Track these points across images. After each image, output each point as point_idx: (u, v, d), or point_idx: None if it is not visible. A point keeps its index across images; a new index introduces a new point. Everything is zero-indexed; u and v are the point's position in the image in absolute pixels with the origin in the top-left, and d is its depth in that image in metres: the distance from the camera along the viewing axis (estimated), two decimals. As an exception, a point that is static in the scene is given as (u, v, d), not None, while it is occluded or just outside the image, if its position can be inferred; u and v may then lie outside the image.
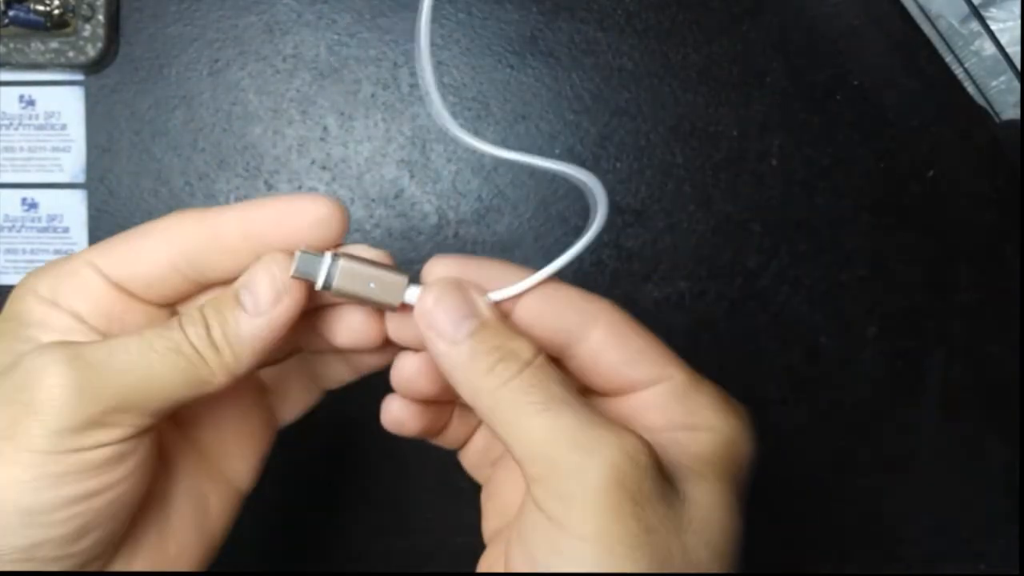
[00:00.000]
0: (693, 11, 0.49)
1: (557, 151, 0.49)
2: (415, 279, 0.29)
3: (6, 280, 0.50)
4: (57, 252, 0.50)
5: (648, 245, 0.49)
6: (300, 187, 0.50)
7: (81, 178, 0.50)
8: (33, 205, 0.51)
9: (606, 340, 0.28)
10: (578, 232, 0.29)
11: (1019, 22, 0.45)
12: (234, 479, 0.32)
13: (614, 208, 0.49)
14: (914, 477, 0.50)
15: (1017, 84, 0.45)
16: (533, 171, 0.49)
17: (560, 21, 0.49)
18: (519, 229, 0.49)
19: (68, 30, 0.49)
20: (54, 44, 0.49)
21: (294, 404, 0.35)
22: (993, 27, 0.45)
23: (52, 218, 0.50)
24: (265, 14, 0.50)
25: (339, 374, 0.34)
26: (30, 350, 0.26)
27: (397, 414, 0.31)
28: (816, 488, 0.50)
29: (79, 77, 0.50)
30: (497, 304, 0.28)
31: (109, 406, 0.26)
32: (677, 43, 0.49)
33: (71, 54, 0.49)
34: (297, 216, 0.28)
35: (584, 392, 0.30)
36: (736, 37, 0.49)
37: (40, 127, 0.50)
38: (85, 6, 0.49)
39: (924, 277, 0.49)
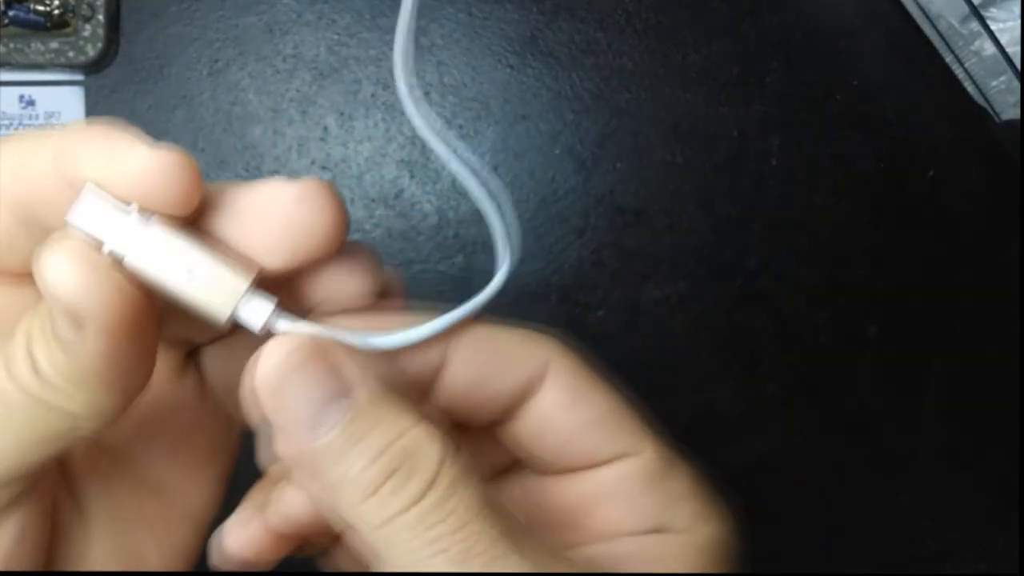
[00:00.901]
0: (693, 11, 0.49)
1: (557, 151, 0.49)
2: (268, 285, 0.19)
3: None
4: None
5: (648, 245, 0.49)
6: (300, 187, 0.50)
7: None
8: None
9: (558, 400, 0.22)
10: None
11: (1019, 22, 0.45)
12: (190, 510, 0.24)
13: (614, 208, 0.49)
14: (914, 477, 0.50)
15: (1017, 84, 0.45)
16: (533, 171, 0.49)
17: (560, 21, 0.49)
18: (519, 229, 0.49)
19: (68, 30, 0.49)
20: (54, 44, 0.49)
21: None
22: (993, 27, 0.45)
23: (49, 115, 0.50)
24: (265, 14, 0.50)
25: None
26: None
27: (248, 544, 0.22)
28: (816, 488, 0.50)
29: (79, 77, 0.50)
30: (393, 363, 0.20)
31: None
32: (677, 43, 0.49)
33: (71, 54, 0.49)
34: (123, 163, 0.19)
35: (520, 470, 0.23)
36: (736, 37, 0.49)
37: (40, 127, 0.50)
38: (85, 6, 0.49)
39: (924, 277, 0.49)
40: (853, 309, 0.49)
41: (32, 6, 0.49)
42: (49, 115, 0.50)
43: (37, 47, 0.49)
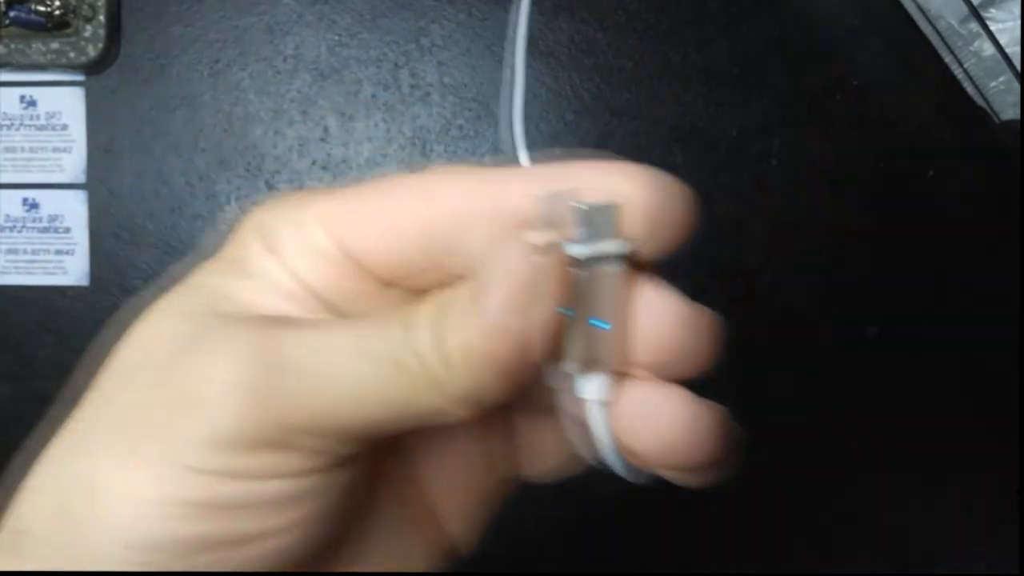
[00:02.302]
0: (693, 11, 0.49)
1: (557, 151, 0.49)
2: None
3: (7, 280, 0.51)
4: (59, 252, 0.50)
5: (648, 245, 0.49)
6: (301, 187, 0.50)
7: (82, 178, 0.50)
8: (34, 205, 0.51)
9: None
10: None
11: (1017, 22, 0.45)
12: (450, 536, 0.24)
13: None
14: (914, 477, 0.50)
15: (1016, 84, 0.45)
16: (533, 171, 0.49)
17: (560, 21, 0.49)
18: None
19: (69, 31, 0.49)
20: (55, 45, 0.49)
21: (551, 459, 0.24)
22: (992, 27, 0.45)
23: (53, 218, 0.51)
24: (266, 15, 0.50)
25: None
26: (218, 323, 0.19)
27: None
28: (816, 488, 0.50)
29: (80, 77, 0.50)
30: None
31: (295, 422, 0.18)
32: (677, 43, 0.49)
33: (72, 55, 0.49)
34: (628, 197, 0.19)
35: None
36: (736, 38, 0.49)
37: (41, 127, 0.51)
38: (86, 7, 0.49)
39: (923, 277, 0.49)
40: (853, 309, 0.49)
41: (33, 7, 0.49)
42: (50, 115, 0.50)
43: (38, 48, 0.49)
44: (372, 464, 0.21)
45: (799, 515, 0.50)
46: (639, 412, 0.19)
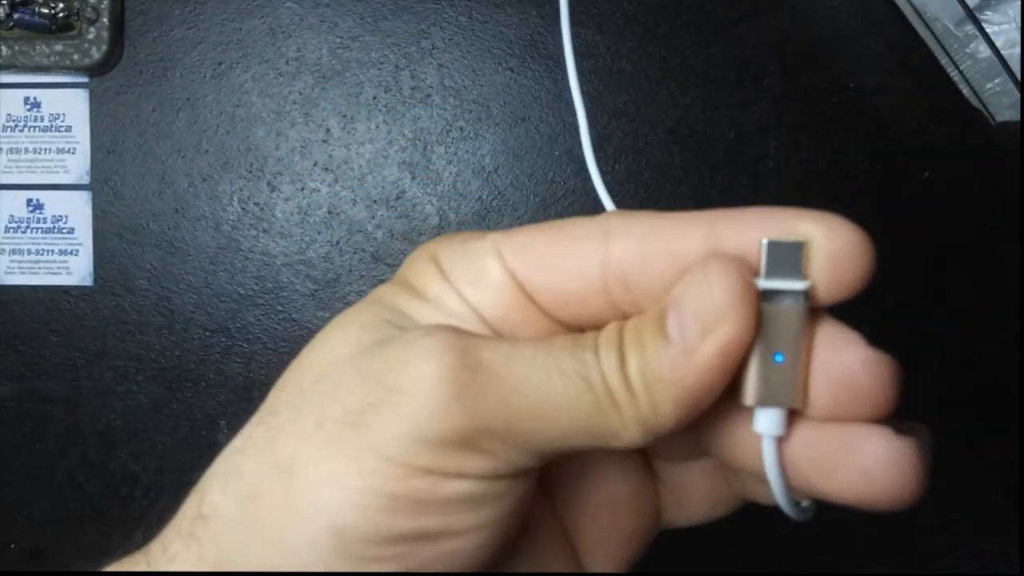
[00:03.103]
0: (691, 14, 0.49)
1: (557, 153, 0.49)
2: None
3: (11, 281, 0.51)
4: (63, 253, 0.51)
5: (647, 246, 0.49)
6: (303, 188, 0.50)
7: (86, 179, 0.51)
8: (38, 206, 0.51)
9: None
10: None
11: (1014, 24, 0.46)
12: (589, 569, 0.24)
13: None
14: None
15: (1011, 86, 0.45)
16: (533, 172, 0.49)
17: (559, 24, 0.49)
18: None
19: (73, 33, 0.49)
20: (59, 47, 0.49)
21: (696, 507, 0.25)
22: (988, 30, 0.45)
23: (57, 219, 0.51)
24: (268, 17, 0.50)
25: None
26: (414, 328, 0.20)
27: None
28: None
29: (84, 79, 0.51)
30: None
31: (489, 425, 0.19)
32: (675, 46, 0.49)
33: (76, 56, 0.49)
34: (815, 238, 0.19)
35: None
36: (733, 40, 0.49)
37: (45, 129, 0.51)
38: (90, 9, 0.49)
39: (919, 278, 0.49)
40: (849, 310, 0.50)
41: (37, 9, 0.49)
42: (54, 117, 0.51)
43: (42, 49, 0.49)
44: (537, 485, 0.22)
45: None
46: (834, 450, 0.20)
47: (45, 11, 0.49)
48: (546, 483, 0.24)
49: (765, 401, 0.19)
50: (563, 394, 0.19)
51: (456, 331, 0.20)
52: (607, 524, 0.24)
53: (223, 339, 0.50)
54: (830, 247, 0.19)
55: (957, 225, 0.49)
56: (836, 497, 0.20)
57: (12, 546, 0.50)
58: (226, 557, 0.19)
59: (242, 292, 0.50)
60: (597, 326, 0.21)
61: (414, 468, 0.19)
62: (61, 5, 0.49)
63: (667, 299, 0.19)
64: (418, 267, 0.22)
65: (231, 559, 0.19)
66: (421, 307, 0.22)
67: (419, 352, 0.19)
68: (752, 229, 0.19)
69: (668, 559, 0.23)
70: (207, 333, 0.50)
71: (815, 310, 0.20)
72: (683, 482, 0.25)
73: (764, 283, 0.19)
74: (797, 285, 0.19)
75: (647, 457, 0.25)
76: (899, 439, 0.20)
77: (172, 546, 0.20)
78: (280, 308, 0.50)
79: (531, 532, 0.23)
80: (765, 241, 0.19)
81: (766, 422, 0.19)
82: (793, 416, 0.20)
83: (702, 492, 0.25)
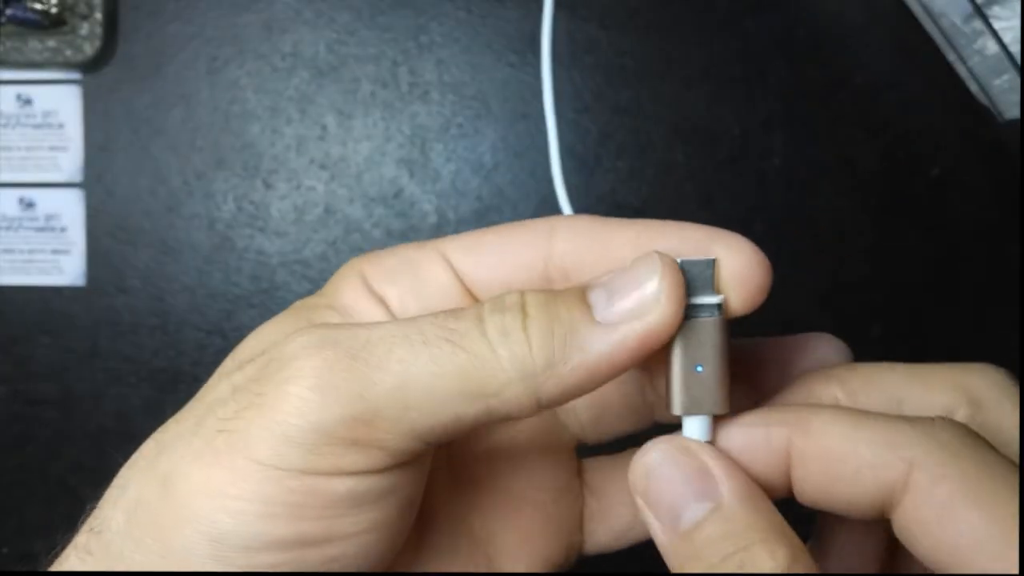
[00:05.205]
0: (695, 9, 0.49)
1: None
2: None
3: (3, 280, 0.50)
4: (55, 252, 0.50)
5: (649, 245, 0.49)
6: (299, 186, 0.49)
7: (78, 177, 0.50)
8: (30, 204, 0.50)
9: (922, 515, 0.19)
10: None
11: (1021, 20, 0.45)
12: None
13: (616, 206, 0.49)
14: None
15: (1020, 83, 0.45)
16: (534, 170, 0.49)
17: (561, 19, 0.49)
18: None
19: (65, 28, 0.49)
20: (51, 43, 0.49)
21: (621, 517, 0.26)
22: (996, 26, 0.45)
23: (49, 218, 0.50)
24: (264, 12, 0.50)
25: None
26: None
27: None
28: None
29: (77, 76, 0.50)
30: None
31: (357, 412, 0.18)
32: (679, 41, 0.49)
33: (68, 53, 0.49)
34: (722, 257, 0.21)
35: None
36: (738, 35, 0.49)
37: (38, 126, 0.50)
38: (82, 4, 0.48)
39: (927, 277, 0.49)
40: (856, 308, 0.49)
41: (29, 4, 0.49)
42: (46, 114, 0.50)
43: (35, 45, 0.49)
44: (435, 484, 0.22)
45: (800, 514, 0.50)
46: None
47: (38, 7, 0.49)
48: (460, 481, 0.24)
49: (691, 410, 0.21)
50: (429, 360, 0.19)
51: (318, 327, 0.20)
52: (524, 527, 0.24)
53: (218, 340, 0.49)
54: (735, 265, 0.21)
55: (964, 223, 0.49)
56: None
57: (4, 550, 0.50)
58: (113, 568, 0.19)
59: (237, 292, 0.50)
60: None
61: (288, 471, 0.18)
62: (54, 1, 0.49)
63: (594, 278, 0.20)
64: (341, 282, 0.23)
65: (117, 569, 0.19)
66: (332, 317, 0.22)
67: (280, 357, 0.19)
68: (671, 241, 0.21)
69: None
70: (201, 334, 0.49)
71: (727, 322, 0.21)
72: (610, 490, 0.26)
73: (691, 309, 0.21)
74: (712, 299, 0.21)
75: (578, 465, 0.26)
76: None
77: (68, 560, 0.20)
78: (276, 309, 0.49)
79: (435, 529, 0.23)
80: (679, 260, 0.20)
81: (694, 429, 0.21)
82: (721, 420, 0.21)
83: (628, 501, 0.24)
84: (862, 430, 0.20)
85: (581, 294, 0.20)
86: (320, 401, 0.18)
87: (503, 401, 0.19)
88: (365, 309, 0.22)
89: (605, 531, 0.26)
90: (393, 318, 0.22)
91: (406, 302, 0.22)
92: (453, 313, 0.20)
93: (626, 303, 0.19)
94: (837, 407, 0.21)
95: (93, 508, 0.21)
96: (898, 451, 0.19)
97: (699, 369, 0.21)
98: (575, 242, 0.22)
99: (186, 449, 0.19)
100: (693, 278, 0.21)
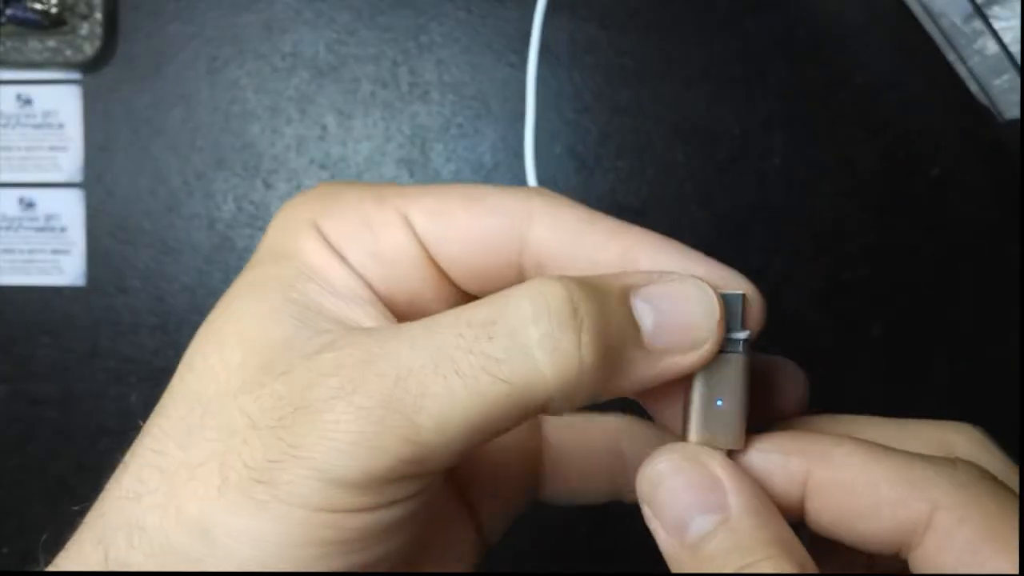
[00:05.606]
0: (695, 9, 0.49)
1: (558, 150, 0.49)
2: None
3: (2, 280, 0.50)
4: (55, 252, 0.50)
5: (649, 245, 0.49)
6: (299, 186, 0.49)
7: (78, 177, 0.50)
8: (31, 204, 0.50)
9: (940, 559, 0.19)
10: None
11: (1021, 20, 0.45)
12: (486, 531, 0.25)
13: (616, 207, 0.49)
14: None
15: (1019, 83, 0.45)
16: (534, 170, 0.49)
17: (561, 19, 0.49)
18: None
19: (65, 28, 0.49)
20: (51, 43, 0.49)
21: (568, 485, 0.26)
22: (996, 26, 0.45)
23: (49, 218, 0.50)
24: (264, 12, 0.50)
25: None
26: (324, 341, 0.19)
27: None
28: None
29: (77, 76, 0.50)
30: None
31: (416, 457, 0.18)
32: (679, 41, 0.49)
33: (69, 53, 0.49)
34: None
35: None
36: (738, 35, 0.49)
37: (38, 126, 0.50)
38: (83, 4, 0.48)
39: (927, 277, 0.49)
40: (856, 308, 0.49)
41: (29, 4, 0.49)
42: (46, 114, 0.50)
43: (35, 45, 0.49)
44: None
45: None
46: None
47: (38, 7, 0.49)
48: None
49: (708, 443, 0.21)
50: (467, 397, 0.18)
51: (332, 351, 0.19)
52: (501, 488, 0.25)
53: (218, 340, 0.49)
54: (756, 299, 0.21)
55: (964, 223, 0.49)
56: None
57: (4, 550, 0.50)
58: None
59: (237, 292, 0.49)
60: (495, 291, 0.20)
61: (341, 513, 0.18)
62: (54, 1, 0.49)
63: (629, 281, 0.20)
64: (298, 236, 0.21)
65: None
66: (313, 289, 0.21)
67: (307, 404, 0.18)
68: (662, 261, 0.21)
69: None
70: (202, 334, 0.49)
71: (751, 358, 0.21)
72: (564, 464, 0.26)
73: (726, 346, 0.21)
74: (740, 335, 0.21)
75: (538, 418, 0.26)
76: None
77: None
78: (276, 308, 0.49)
79: (442, 507, 0.24)
80: (721, 294, 0.20)
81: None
82: (736, 455, 0.21)
83: (581, 460, 0.25)
84: (883, 466, 0.20)
85: (626, 301, 0.19)
86: (367, 454, 0.18)
87: (536, 410, 0.19)
88: (337, 276, 0.21)
89: (560, 482, 0.26)
90: (358, 282, 0.21)
91: (366, 265, 0.21)
92: (484, 327, 0.18)
93: (676, 336, 0.19)
94: (856, 440, 0.21)
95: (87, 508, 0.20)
96: (920, 490, 0.19)
97: (719, 403, 0.21)
98: (556, 237, 0.21)
99: (218, 497, 0.18)
100: (728, 311, 0.21)
